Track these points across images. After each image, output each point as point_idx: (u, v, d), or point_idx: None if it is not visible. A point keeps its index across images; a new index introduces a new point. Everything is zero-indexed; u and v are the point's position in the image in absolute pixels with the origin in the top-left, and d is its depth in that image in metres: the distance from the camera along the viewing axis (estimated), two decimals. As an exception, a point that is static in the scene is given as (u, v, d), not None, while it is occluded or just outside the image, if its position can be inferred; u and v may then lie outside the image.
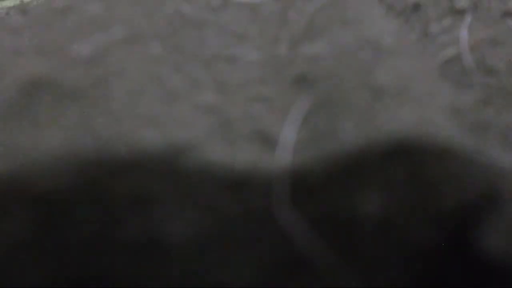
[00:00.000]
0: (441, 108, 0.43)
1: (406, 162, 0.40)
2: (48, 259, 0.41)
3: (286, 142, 0.41)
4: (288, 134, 0.41)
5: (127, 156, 0.40)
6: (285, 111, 0.42)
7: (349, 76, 0.43)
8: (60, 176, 0.40)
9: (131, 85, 0.43)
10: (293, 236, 0.40)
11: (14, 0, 0.54)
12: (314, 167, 0.40)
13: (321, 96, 0.42)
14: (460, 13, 0.50)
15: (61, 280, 0.41)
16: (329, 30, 0.45)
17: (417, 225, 0.41)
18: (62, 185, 0.40)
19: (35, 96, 0.42)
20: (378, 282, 0.42)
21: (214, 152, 0.40)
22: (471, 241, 0.41)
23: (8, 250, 0.41)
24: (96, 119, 0.41)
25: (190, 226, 0.40)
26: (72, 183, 0.40)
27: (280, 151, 0.41)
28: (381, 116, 0.41)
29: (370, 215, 0.40)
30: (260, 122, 0.42)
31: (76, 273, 0.41)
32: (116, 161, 0.40)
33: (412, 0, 0.50)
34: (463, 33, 0.49)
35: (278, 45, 0.45)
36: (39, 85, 0.42)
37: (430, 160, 0.40)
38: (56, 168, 0.40)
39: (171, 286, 0.41)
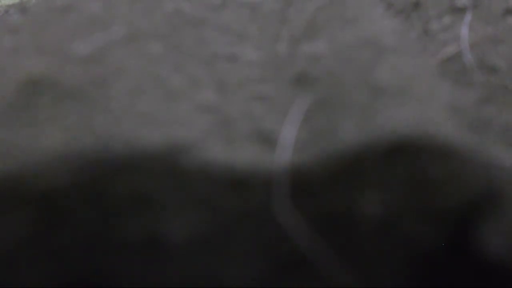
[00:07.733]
0: (442, 107, 0.42)
1: (406, 162, 0.40)
2: (48, 259, 0.41)
3: (286, 141, 0.41)
4: (288, 133, 0.41)
5: (127, 156, 0.40)
6: (285, 110, 0.42)
7: (349, 75, 0.43)
8: (60, 176, 0.40)
9: (131, 84, 0.42)
10: (293, 236, 0.40)
11: (14, -1, 0.54)
12: (314, 166, 0.40)
13: (321, 95, 0.42)
14: (460, 10, 0.50)
15: (61, 280, 0.41)
16: (329, 28, 0.45)
17: (417, 225, 0.41)
18: (62, 185, 0.40)
19: (34, 95, 0.42)
20: (378, 282, 0.42)
21: (213, 152, 0.40)
22: (472, 241, 0.41)
23: (8, 250, 0.41)
24: (95, 119, 0.41)
25: (190, 225, 0.40)
26: (72, 183, 0.40)
27: (280, 150, 0.41)
28: (381, 115, 0.41)
29: (370, 214, 0.40)
30: (260, 121, 0.42)
31: (75, 273, 0.41)
32: (116, 161, 0.40)
33: (412, -2, 0.50)
34: (464, 31, 0.49)
35: (278, 44, 0.45)
36: (38, 84, 0.42)
37: (430, 159, 0.40)
38: (55, 168, 0.40)
39: (171, 286, 0.41)
